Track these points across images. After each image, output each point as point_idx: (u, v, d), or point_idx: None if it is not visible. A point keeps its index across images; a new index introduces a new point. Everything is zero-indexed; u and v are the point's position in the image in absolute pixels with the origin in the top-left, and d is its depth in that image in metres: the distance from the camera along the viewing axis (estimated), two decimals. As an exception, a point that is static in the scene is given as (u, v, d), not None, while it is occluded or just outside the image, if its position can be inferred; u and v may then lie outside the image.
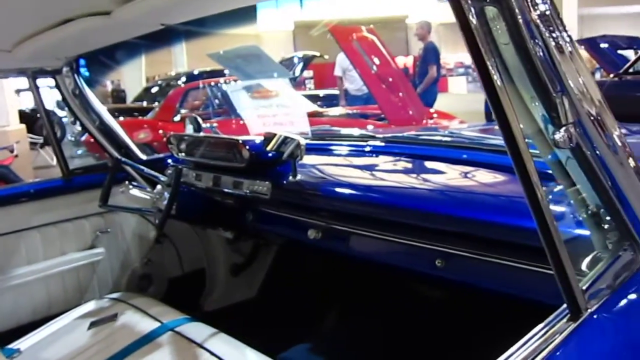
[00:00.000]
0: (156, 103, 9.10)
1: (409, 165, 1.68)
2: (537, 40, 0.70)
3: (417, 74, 6.93)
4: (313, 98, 8.96)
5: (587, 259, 0.82)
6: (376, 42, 5.52)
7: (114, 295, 1.82)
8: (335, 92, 10.39)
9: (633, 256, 0.80)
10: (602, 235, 0.81)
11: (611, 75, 8.97)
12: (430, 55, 6.71)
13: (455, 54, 24.25)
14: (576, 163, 0.74)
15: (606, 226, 0.80)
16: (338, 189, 1.54)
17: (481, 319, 1.32)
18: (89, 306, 1.76)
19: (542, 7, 0.72)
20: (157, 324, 1.53)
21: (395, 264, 1.38)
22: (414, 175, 1.65)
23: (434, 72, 6.65)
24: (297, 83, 10.76)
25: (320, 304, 1.85)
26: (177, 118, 6.64)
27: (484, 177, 1.45)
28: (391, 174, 1.69)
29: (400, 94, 5.45)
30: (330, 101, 10.06)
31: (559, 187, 0.97)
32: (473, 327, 1.38)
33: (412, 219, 1.28)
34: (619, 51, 9.34)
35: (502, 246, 1.10)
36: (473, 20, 0.63)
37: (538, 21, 0.71)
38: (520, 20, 0.69)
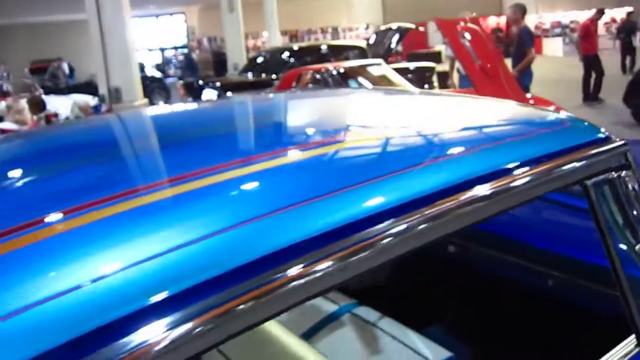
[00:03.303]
0: (263, 75, 9.86)
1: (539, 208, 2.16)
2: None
3: (513, 57, 7.16)
4: (403, 72, 8.96)
5: None
6: (478, 32, 5.86)
7: None
8: (426, 64, 10.63)
9: None
10: None
11: None
12: (526, 38, 6.95)
13: (551, 12, 23.31)
14: None
15: None
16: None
17: (579, 332, 1.84)
18: None
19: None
20: (336, 307, 2.16)
21: (517, 279, 1.94)
22: (542, 215, 2.14)
23: (533, 54, 6.90)
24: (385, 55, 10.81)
25: (447, 301, 2.39)
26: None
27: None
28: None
29: (501, 81, 5.79)
30: (421, 74, 10.28)
31: None
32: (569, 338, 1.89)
33: (536, 254, 1.84)
34: None
35: (600, 277, 1.64)
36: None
37: None
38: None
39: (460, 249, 2.09)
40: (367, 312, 2.07)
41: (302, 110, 1.86)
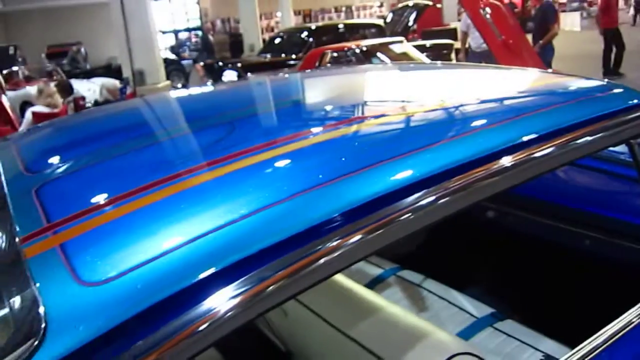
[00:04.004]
0: (282, 55, 9.93)
1: (573, 171, 2.26)
2: None
3: (534, 33, 7.17)
4: (420, 50, 8.94)
5: None
6: (501, 8, 5.90)
7: None
8: (444, 42, 10.58)
9: None
10: None
11: None
12: (550, 14, 6.97)
13: (569, -14, 22.96)
14: None
15: None
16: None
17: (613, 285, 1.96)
18: None
19: None
20: (381, 270, 2.29)
21: (556, 241, 2.05)
22: (577, 180, 2.25)
23: (556, 30, 6.93)
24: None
25: (486, 261, 2.51)
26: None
27: (621, 187, 2.05)
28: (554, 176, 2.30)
29: (523, 56, 5.84)
30: (438, 51, 10.22)
31: None
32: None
33: (574, 215, 1.95)
34: None
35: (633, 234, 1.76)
36: None
37: None
38: None
39: (498, 213, 2.22)
40: (410, 275, 2.21)
41: (333, 88, 1.96)
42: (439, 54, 9.85)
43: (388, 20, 11.25)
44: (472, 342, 1.74)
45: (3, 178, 1.07)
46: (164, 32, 25.60)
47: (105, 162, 1.14)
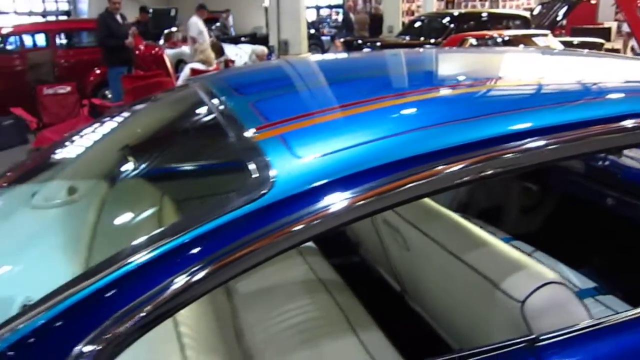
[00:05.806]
0: (421, 38, 10.04)
1: None
2: None
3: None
4: (566, 46, 8.60)
5: None
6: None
7: None
8: (592, 40, 10.04)
9: None
10: None
11: None
12: None
13: None
14: None
15: None
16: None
17: None
18: None
19: None
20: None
21: None
22: None
23: None
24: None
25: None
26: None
27: None
28: None
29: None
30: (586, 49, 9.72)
31: None
32: None
33: None
34: None
35: None
36: None
37: None
38: None
39: (619, 202, 2.31)
40: (521, 245, 2.36)
41: (467, 60, 2.18)
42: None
43: (535, 12, 10.89)
44: None
45: (225, 99, 1.45)
46: (307, 7, 26.47)
47: (292, 92, 1.55)
